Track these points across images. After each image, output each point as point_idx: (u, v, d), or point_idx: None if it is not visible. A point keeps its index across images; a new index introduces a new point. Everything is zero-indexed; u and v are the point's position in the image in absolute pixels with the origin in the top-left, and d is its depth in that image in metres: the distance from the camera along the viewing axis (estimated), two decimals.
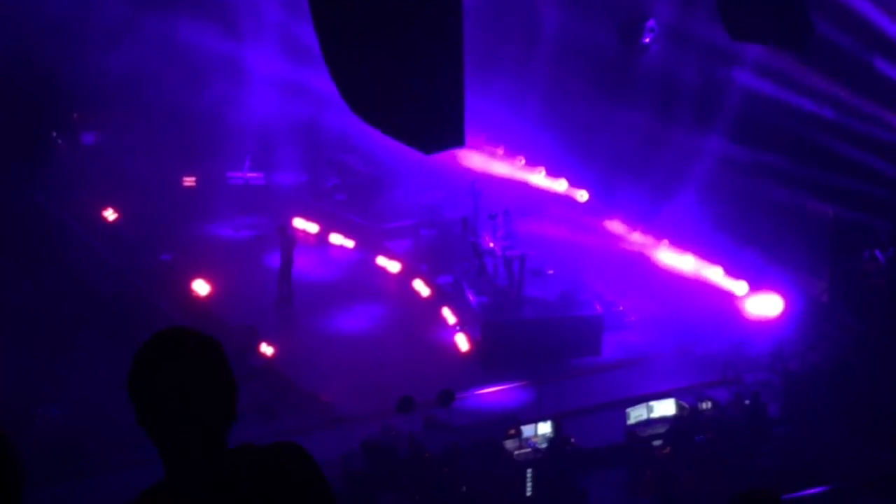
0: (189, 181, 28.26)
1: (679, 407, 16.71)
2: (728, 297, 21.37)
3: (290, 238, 22.72)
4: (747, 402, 16.87)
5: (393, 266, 24.75)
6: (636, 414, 16.50)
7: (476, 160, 25.13)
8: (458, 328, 21.47)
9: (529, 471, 15.18)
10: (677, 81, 21.79)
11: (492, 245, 22.42)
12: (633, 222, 23.47)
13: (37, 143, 24.89)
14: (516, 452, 15.53)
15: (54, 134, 26.98)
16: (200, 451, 3.37)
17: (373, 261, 25.07)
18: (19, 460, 3.46)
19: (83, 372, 17.86)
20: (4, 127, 21.81)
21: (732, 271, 21.51)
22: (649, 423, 16.53)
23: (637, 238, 23.35)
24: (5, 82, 21.23)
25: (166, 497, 3.35)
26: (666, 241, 22.95)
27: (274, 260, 23.04)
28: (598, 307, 21.62)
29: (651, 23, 21.24)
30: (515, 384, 19.55)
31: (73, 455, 15.95)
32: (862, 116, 19.32)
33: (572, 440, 15.79)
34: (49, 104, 24.22)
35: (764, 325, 20.10)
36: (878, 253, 20.14)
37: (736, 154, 21.31)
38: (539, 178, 25.59)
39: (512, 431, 15.73)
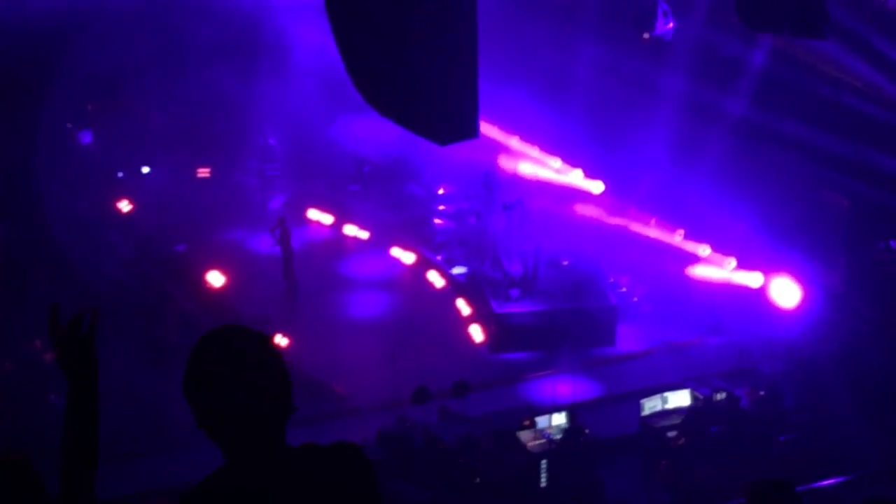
0: (203, 172, 28.31)
1: (694, 398, 16.69)
2: (744, 286, 21.36)
3: (286, 230, 22.74)
4: (762, 392, 16.85)
5: (407, 257, 24.76)
6: (651, 405, 16.49)
7: (489, 151, 25.10)
8: (472, 319, 21.47)
9: (544, 461, 15.18)
10: (695, 59, 21.65)
11: (506, 236, 22.43)
12: (649, 212, 23.43)
13: (51, 133, 24.91)
14: (531, 443, 15.54)
15: (69, 125, 27.04)
16: (263, 448, 3.40)
17: (387, 252, 25.09)
18: (38, 479, 3.50)
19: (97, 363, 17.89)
20: (17, 117, 21.84)
21: (746, 262, 21.49)
22: (664, 413, 16.52)
23: (652, 228, 23.31)
24: (16, 73, 21.25)
25: (229, 488, 3.37)
26: (681, 231, 22.92)
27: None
28: (613, 298, 21.64)
29: (664, 6, 21.13)
30: (530, 375, 19.56)
31: None
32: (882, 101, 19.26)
33: (587, 431, 15.78)
34: (63, 94, 24.22)
35: (780, 314, 20.08)
36: (892, 243, 20.07)
37: (754, 133, 21.23)
38: (554, 168, 25.49)
39: (527, 422, 15.74)
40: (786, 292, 20.30)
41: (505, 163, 25.24)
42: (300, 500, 3.38)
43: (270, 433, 3.41)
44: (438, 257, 24.63)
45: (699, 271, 22.18)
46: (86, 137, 26.85)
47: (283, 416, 3.44)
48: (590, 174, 24.84)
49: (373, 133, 24.45)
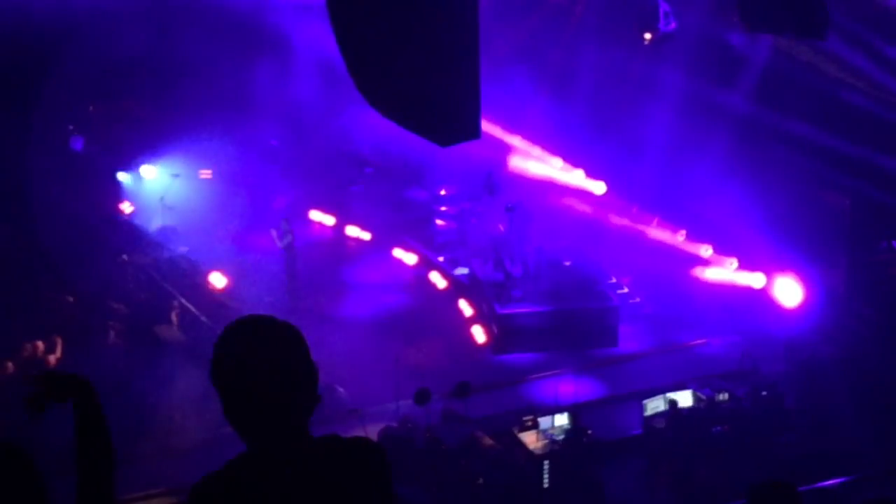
0: (205, 174, 28.25)
1: (696, 398, 16.69)
2: (746, 287, 21.36)
3: (289, 231, 22.77)
4: (764, 393, 16.84)
5: (409, 258, 24.76)
6: (653, 405, 16.48)
7: (491, 150, 25.06)
8: (474, 320, 21.47)
9: (546, 462, 15.18)
10: (697, 57, 21.60)
11: (508, 237, 22.42)
12: (651, 212, 23.43)
13: (51, 135, 24.88)
14: (533, 444, 15.54)
15: (70, 127, 27.00)
16: (287, 436, 3.42)
17: (389, 253, 25.08)
18: (38, 472, 3.50)
19: (100, 364, 17.93)
20: (15, 119, 21.81)
21: (748, 262, 21.48)
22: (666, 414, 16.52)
23: (654, 228, 23.31)
24: (14, 73, 21.20)
25: (253, 472, 3.38)
26: (683, 231, 22.91)
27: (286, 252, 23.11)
28: (615, 298, 21.63)
29: (665, 7, 21.14)
30: (532, 376, 19.55)
31: None
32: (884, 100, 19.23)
33: (589, 432, 15.78)
34: (63, 96, 24.16)
35: (782, 314, 20.07)
36: (894, 243, 20.04)
37: (756, 133, 21.21)
38: (556, 168, 25.43)
39: (529, 421, 15.74)
40: (788, 291, 20.28)
41: (508, 162, 25.24)
42: (319, 489, 3.40)
43: (296, 422, 3.43)
44: (440, 258, 24.63)
45: (706, 273, 22.17)
46: (77, 144, 26.80)
47: (308, 405, 3.46)
48: (591, 174, 24.82)
49: (375, 134, 24.47)
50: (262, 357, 3.36)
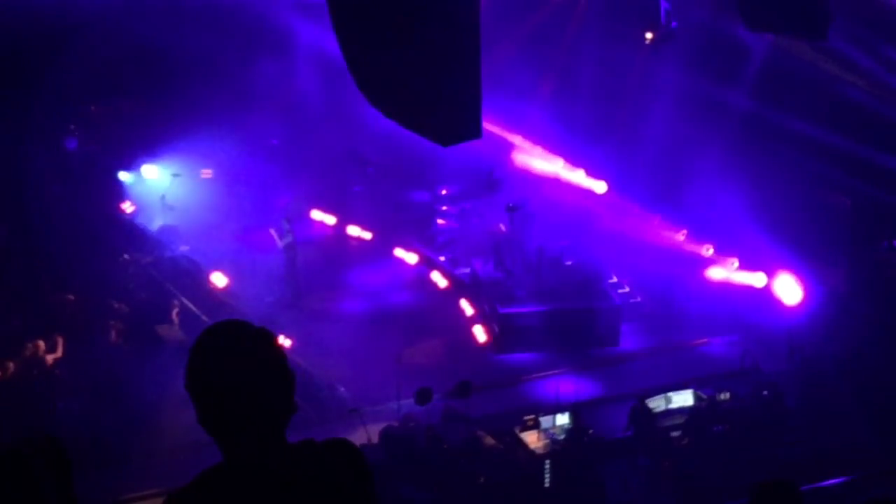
0: (206, 173, 28.22)
1: (697, 398, 16.69)
2: (747, 286, 21.36)
3: (290, 231, 22.78)
4: (765, 392, 16.83)
5: (410, 258, 24.74)
6: (655, 405, 16.48)
7: (493, 149, 25.04)
8: (475, 320, 21.46)
9: (547, 462, 15.17)
10: (699, 56, 21.57)
11: (510, 236, 22.42)
12: (652, 212, 23.41)
13: (51, 134, 24.87)
14: (534, 444, 15.53)
15: (72, 126, 27.00)
16: (262, 445, 3.37)
17: (390, 252, 25.06)
18: (69, 459, 3.47)
19: (102, 364, 17.94)
20: (16, 118, 21.80)
21: (749, 261, 21.47)
22: (667, 413, 16.51)
23: (655, 228, 23.29)
24: (14, 72, 21.17)
25: (227, 483, 3.35)
26: (684, 231, 22.90)
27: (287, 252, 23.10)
28: (616, 298, 21.62)
29: (666, 5, 21.15)
30: (533, 375, 19.54)
31: (92, 447, 15.94)
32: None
33: (590, 431, 15.78)
34: (63, 95, 24.14)
35: (783, 314, 20.06)
36: (895, 243, 20.05)
37: (757, 132, 21.20)
38: (557, 167, 25.40)
39: (530, 422, 15.73)
40: (789, 290, 20.28)
41: (510, 160, 25.21)
42: (296, 497, 3.36)
43: (271, 430, 3.38)
44: (442, 258, 24.62)
45: (714, 273, 22.17)
46: (70, 144, 26.79)
47: (284, 413, 3.41)
48: (592, 174, 24.80)
49: (376, 133, 24.42)
50: (232, 364, 3.30)
